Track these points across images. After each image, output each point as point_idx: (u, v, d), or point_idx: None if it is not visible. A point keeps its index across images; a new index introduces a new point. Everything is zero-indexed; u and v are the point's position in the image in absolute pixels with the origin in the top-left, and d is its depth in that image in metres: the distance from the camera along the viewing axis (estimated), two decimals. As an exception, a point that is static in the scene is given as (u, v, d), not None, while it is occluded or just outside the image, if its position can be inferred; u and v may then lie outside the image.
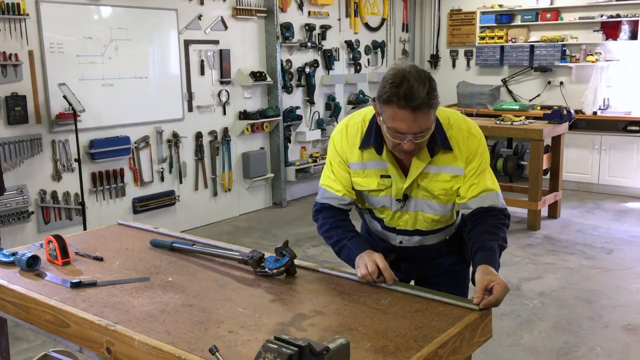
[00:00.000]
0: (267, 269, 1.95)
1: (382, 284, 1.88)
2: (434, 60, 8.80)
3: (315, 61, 7.21)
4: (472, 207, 1.94)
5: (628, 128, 7.00)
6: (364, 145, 1.98)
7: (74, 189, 5.05)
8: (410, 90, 1.72)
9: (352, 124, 2.03)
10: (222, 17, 6.19)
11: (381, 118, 1.85)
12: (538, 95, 7.92)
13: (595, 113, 7.27)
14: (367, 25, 8.06)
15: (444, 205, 2.00)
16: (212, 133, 6.24)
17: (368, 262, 1.88)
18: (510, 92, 8.14)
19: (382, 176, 1.98)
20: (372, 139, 1.96)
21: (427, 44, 8.91)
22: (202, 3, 5.98)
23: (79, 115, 4.82)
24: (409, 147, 1.82)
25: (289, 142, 7.05)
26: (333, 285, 1.90)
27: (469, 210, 1.95)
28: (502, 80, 8.16)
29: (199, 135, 6.09)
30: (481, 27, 8.17)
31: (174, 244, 2.27)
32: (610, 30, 7.25)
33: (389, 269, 1.89)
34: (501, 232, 1.91)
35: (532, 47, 7.75)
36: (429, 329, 1.58)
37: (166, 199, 5.84)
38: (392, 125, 1.80)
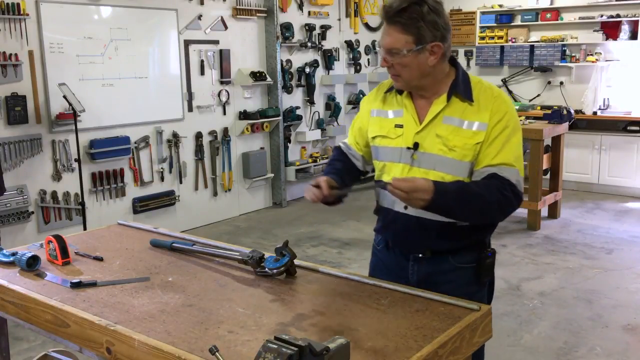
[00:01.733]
0: (267, 269, 1.95)
1: (329, 202, 1.96)
2: (434, 60, 8.78)
3: (315, 61, 7.21)
4: (486, 173, 1.85)
5: (628, 128, 7.00)
6: (390, 90, 2.04)
7: (74, 189, 5.05)
8: (392, 4, 1.83)
9: (387, 80, 2.11)
10: (222, 17, 6.19)
11: None
12: (538, 95, 7.92)
13: (595, 113, 7.27)
14: (367, 25, 8.06)
15: (458, 162, 1.87)
16: (212, 133, 6.24)
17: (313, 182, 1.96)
18: (510, 92, 8.13)
19: (396, 125, 1.99)
20: None
21: (427, 44, 8.89)
22: (202, 3, 5.98)
23: (79, 115, 4.82)
24: (382, 64, 1.91)
25: (289, 142, 7.05)
26: (333, 285, 1.90)
27: (482, 175, 1.85)
28: (502, 80, 8.16)
29: (199, 135, 6.09)
30: (481, 27, 8.18)
31: (174, 244, 2.26)
32: (610, 30, 7.25)
33: (325, 181, 1.94)
34: (490, 194, 1.80)
35: (532, 47, 7.75)
36: (429, 329, 1.58)
37: (166, 199, 5.84)
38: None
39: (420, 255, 1.99)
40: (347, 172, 2.12)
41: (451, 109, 1.91)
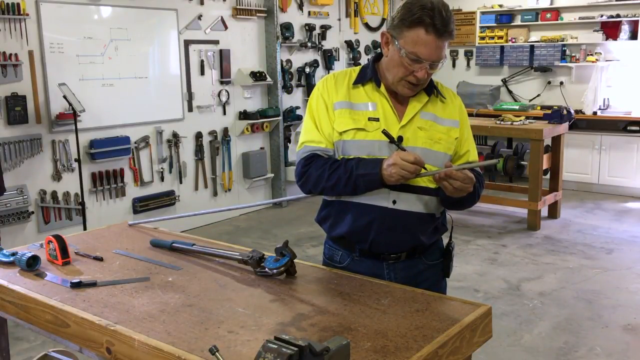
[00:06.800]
0: (267, 269, 1.95)
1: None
2: (434, 60, 8.78)
3: (315, 61, 7.21)
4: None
5: (628, 128, 7.00)
6: (359, 81, 1.95)
7: (74, 189, 5.05)
8: (440, 16, 1.75)
9: (339, 72, 2.03)
10: (222, 17, 6.19)
11: (396, 45, 1.81)
12: (538, 95, 7.92)
13: (595, 113, 7.27)
14: (367, 25, 8.06)
15: (443, 155, 1.92)
16: (212, 133, 6.24)
17: (406, 155, 1.76)
18: (510, 92, 8.14)
19: (370, 118, 1.90)
20: (371, 74, 1.94)
21: (427, 44, 8.89)
22: (202, 3, 5.98)
23: (79, 115, 4.82)
24: (422, 76, 1.81)
25: (289, 142, 7.05)
26: (333, 285, 1.90)
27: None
28: (502, 80, 8.16)
29: (199, 135, 6.09)
30: (481, 27, 8.18)
31: (174, 244, 2.26)
32: (610, 30, 7.25)
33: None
34: (480, 188, 1.96)
35: (532, 47, 7.75)
36: (429, 329, 1.58)
37: (166, 199, 5.84)
38: (413, 50, 1.78)
39: (394, 259, 1.97)
40: None
41: (428, 105, 1.94)
